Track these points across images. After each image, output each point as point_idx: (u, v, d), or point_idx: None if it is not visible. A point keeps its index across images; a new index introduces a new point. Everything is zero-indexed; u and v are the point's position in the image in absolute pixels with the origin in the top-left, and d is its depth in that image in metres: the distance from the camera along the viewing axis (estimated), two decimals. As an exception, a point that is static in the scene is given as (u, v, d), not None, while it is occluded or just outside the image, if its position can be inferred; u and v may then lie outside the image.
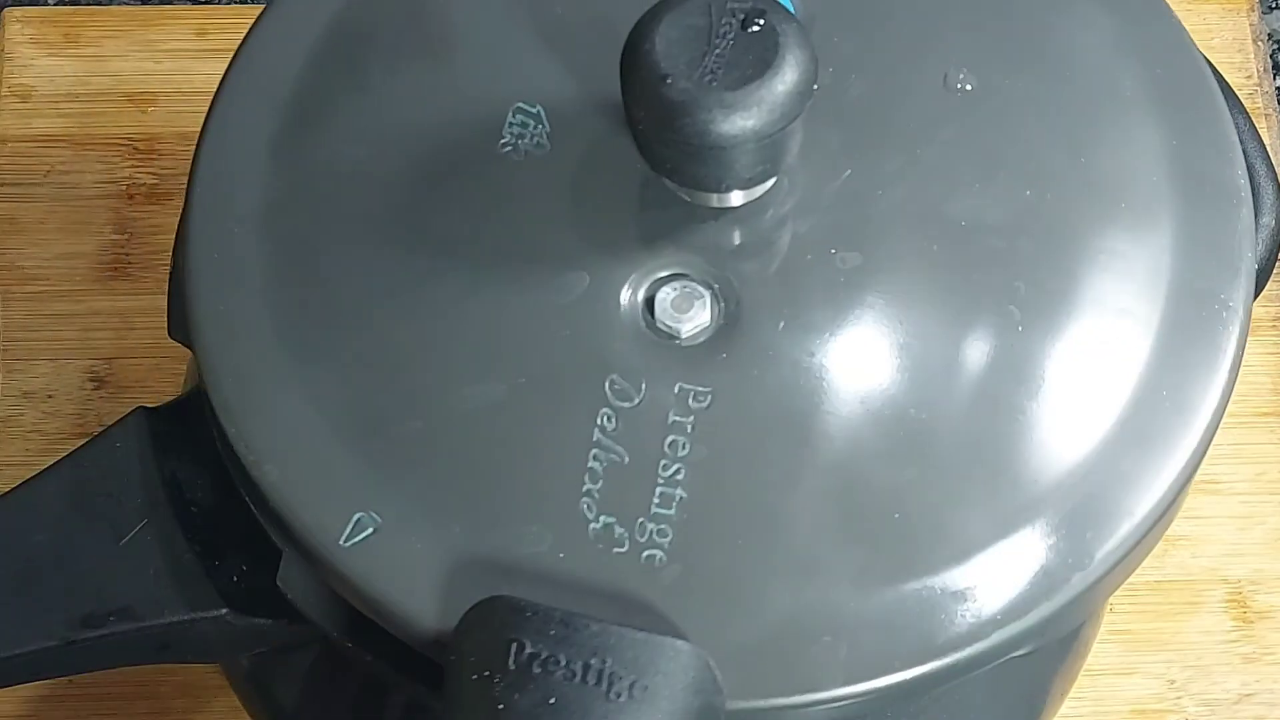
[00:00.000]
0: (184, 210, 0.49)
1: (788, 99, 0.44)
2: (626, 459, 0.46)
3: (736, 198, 0.47)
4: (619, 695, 0.42)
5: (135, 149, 0.70)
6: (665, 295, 0.47)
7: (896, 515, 0.45)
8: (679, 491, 0.45)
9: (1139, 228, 0.48)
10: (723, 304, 0.47)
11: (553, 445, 0.46)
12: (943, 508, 0.46)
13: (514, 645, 0.42)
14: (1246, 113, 0.55)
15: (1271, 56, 0.74)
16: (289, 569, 0.47)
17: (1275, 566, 0.65)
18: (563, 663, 0.42)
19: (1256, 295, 0.54)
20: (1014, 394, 0.47)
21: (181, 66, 0.72)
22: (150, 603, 0.49)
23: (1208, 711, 0.63)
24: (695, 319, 0.47)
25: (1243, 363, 0.68)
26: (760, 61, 0.44)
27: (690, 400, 0.46)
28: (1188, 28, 0.52)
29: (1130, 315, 0.48)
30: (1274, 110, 0.72)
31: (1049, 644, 0.55)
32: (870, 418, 0.46)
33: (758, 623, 0.44)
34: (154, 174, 0.70)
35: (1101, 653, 0.61)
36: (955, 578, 0.45)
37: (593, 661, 0.42)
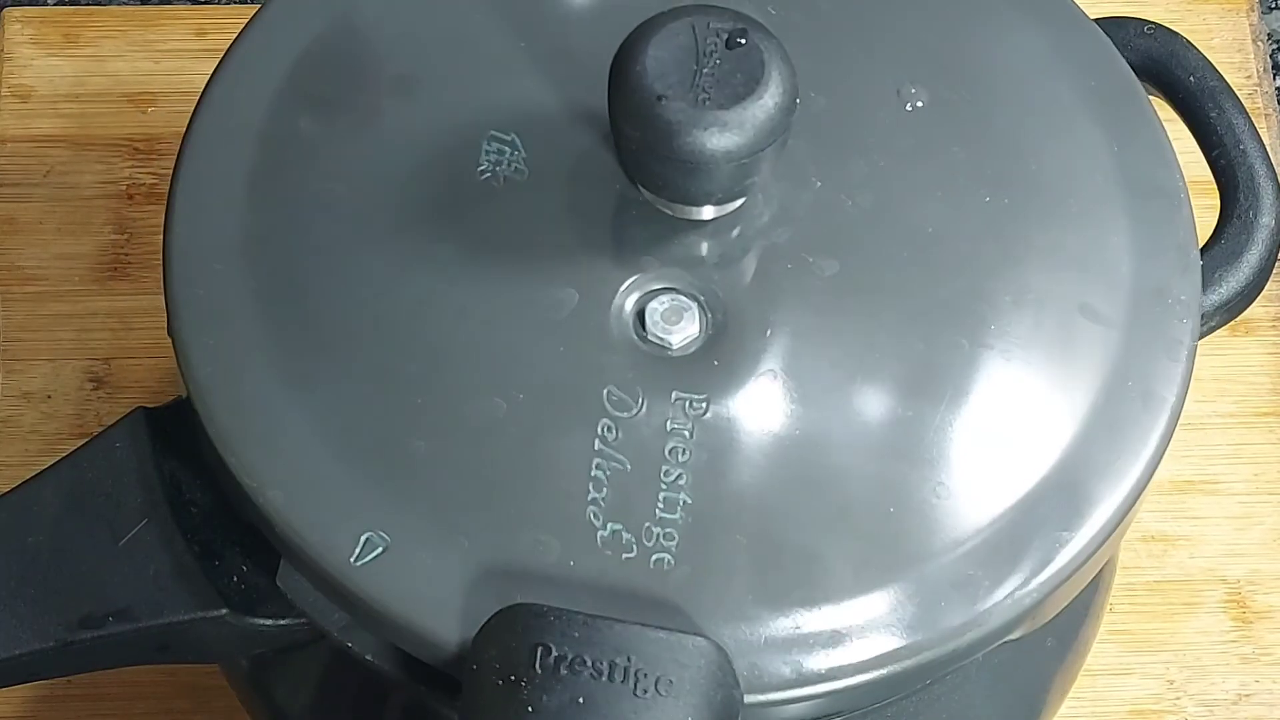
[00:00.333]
0: (164, 247, 0.50)
1: (777, 114, 0.46)
2: (629, 467, 0.47)
3: (720, 210, 0.49)
4: (645, 692, 0.43)
5: (135, 149, 0.70)
6: (655, 308, 0.48)
7: (886, 512, 0.47)
8: (682, 496, 0.47)
9: (1092, 227, 0.50)
10: (710, 314, 0.48)
11: (556, 457, 0.47)
12: (928, 503, 0.47)
13: (540, 649, 0.43)
14: (1246, 113, 0.55)
15: (1271, 56, 0.74)
16: (289, 570, 0.48)
17: (1274, 567, 0.65)
18: (589, 663, 0.43)
19: (1256, 295, 0.54)
20: (988, 391, 0.48)
21: (181, 66, 0.72)
22: (149, 603, 0.49)
23: (1206, 712, 0.63)
24: (684, 330, 0.48)
25: (1242, 363, 0.69)
26: (750, 79, 0.46)
27: (687, 407, 0.47)
28: (1188, 28, 0.52)
29: (1092, 311, 0.49)
30: (1274, 110, 0.72)
31: (1047, 641, 0.55)
32: (858, 415, 0.48)
33: (764, 619, 0.46)
34: (153, 174, 0.70)
35: (1100, 653, 0.61)
36: (950, 566, 0.47)
37: (618, 660, 0.43)
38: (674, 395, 0.47)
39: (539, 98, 0.51)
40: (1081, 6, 0.54)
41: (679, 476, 0.47)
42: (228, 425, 0.48)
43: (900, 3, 0.53)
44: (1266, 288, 0.55)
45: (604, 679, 0.43)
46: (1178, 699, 0.64)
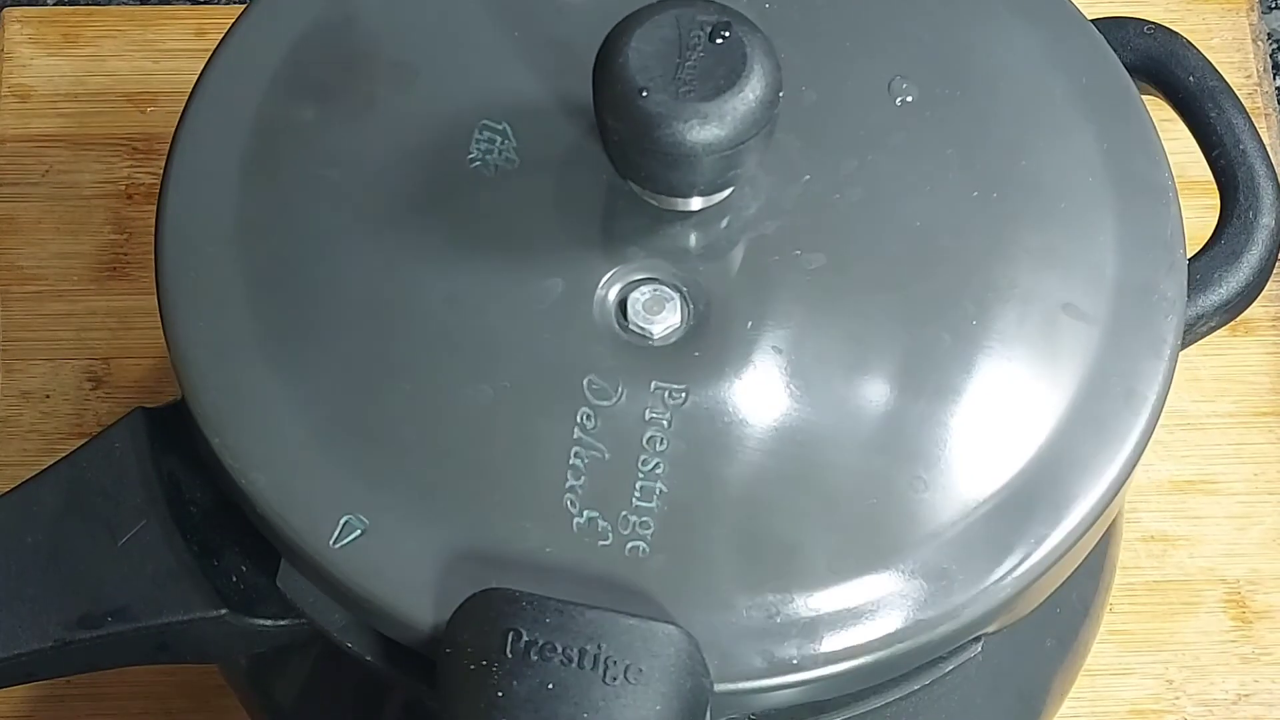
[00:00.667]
0: (156, 230, 0.50)
1: (759, 107, 0.46)
2: (607, 455, 0.47)
3: (705, 201, 0.49)
4: (614, 679, 0.43)
5: (134, 149, 0.70)
6: (637, 298, 0.49)
7: (863, 504, 0.47)
8: (659, 485, 0.47)
9: (1080, 225, 0.51)
10: (692, 305, 0.49)
11: (535, 444, 0.47)
12: (907, 496, 0.47)
13: (511, 634, 0.44)
14: (1246, 113, 0.55)
15: (1271, 56, 0.74)
16: (289, 571, 0.48)
17: (1273, 566, 0.65)
18: (559, 649, 0.44)
19: (1256, 295, 0.54)
20: (970, 386, 0.49)
21: (180, 66, 0.72)
22: (148, 603, 0.49)
23: (1205, 712, 0.63)
24: (666, 320, 0.48)
25: (1242, 363, 0.69)
26: (731, 72, 0.46)
27: (666, 397, 0.48)
28: (1188, 28, 0.52)
29: (1075, 309, 0.49)
30: (1274, 110, 0.72)
31: (1047, 642, 0.55)
32: (838, 408, 0.48)
33: (738, 609, 0.46)
34: (153, 174, 0.70)
35: (1100, 653, 0.61)
36: (923, 563, 0.47)
37: (588, 647, 0.44)
38: (654, 385, 0.48)
39: (532, 87, 0.51)
40: (1081, 6, 0.54)
41: (656, 466, 0.47)
42: (214, 407, 0.48)
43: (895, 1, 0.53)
44: (1266, 288, 0.55)
45: (574, 665, 0.43)
46: (1177, 699, 0.64)
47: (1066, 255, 0.50)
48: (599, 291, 0.49)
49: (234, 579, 0.49)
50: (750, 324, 0.48)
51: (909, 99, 0.51)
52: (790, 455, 0.47)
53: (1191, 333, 0.53)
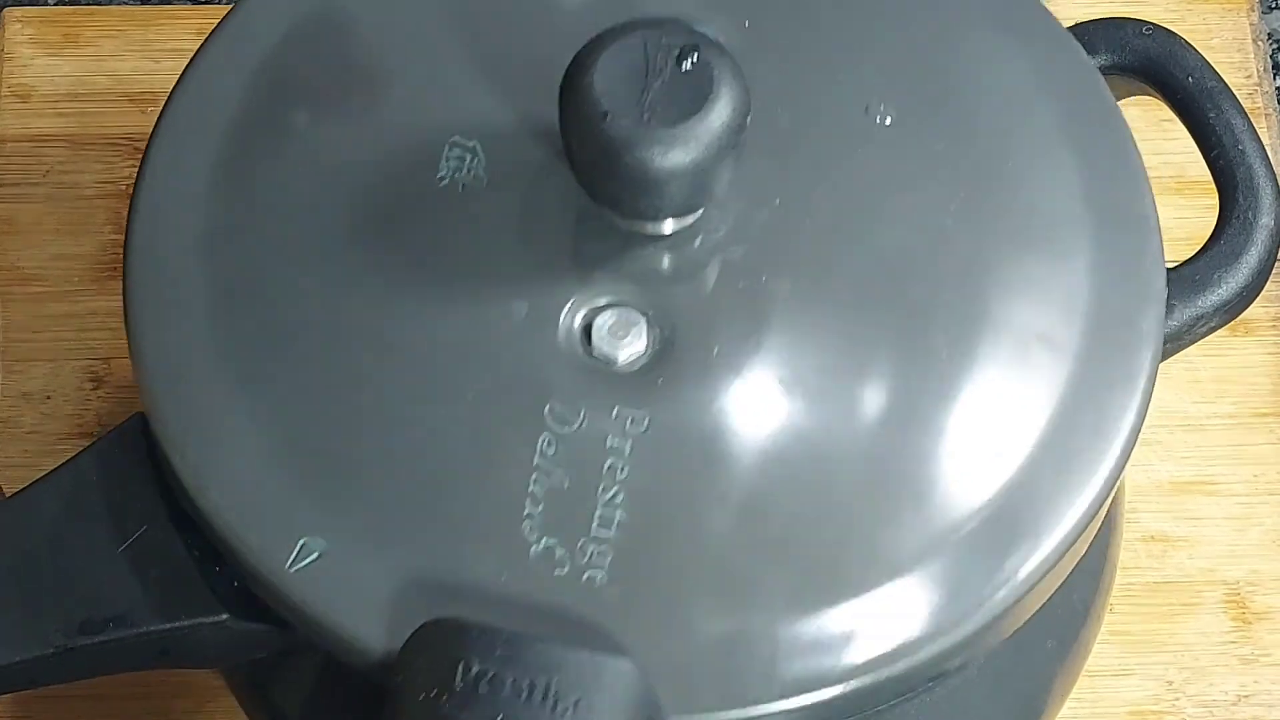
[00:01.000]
0: (125, 242, 0.50)
1: (723, 133, 0.45)
2: (566, 483, 0.46)
3: (672, 224, 0.48)
4: (563, 712, 0.43)
5: (134, 149, 0.70)
6: (602, 322, 0.48)
7: (826, 537, 0.46)
8: (618, 514, 0.46)
9: (1055, 256, 0.50)
10: (658, 330, 0.48)
11: (494, 469, 0.47)
12: (870, 529, 0.47)
13: (461, 664, 0.44)
14: (1245, 113, 0.55)
15: (1271, 56, 0.74)
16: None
17: (1273, 567, 0.65)
18: (509, 681, 0.43)
19: (1255, 296, 0.54)
20: (938, 418, 0.48)
21: (181, 66, 0.71)
22: (149, 609, 0.49)
23: (1205, 713, 0.63)
24: (631, 346, 0.48)
25: (1242, 363, 0.69)
26: (696, 97, 0.45)
27: (628, 425, 0.47)
28: (1188, 28, 0.52)
29: (1048, 340, 0.49)
30: (1274, 110, 0.72)
31: (1047, 643, 0.55)
32: (800, 442, 0.47)
33: (694, 640, 0.45)
34: (153, 174, 0.70)
35: (1100, 654, 0.61)
36: (883, 598, 0.46)
37: (538, 680, 0.43)
38: (615, 411, 0.47)
39: (504, 106, 0.50)
40: (1082, 7, 0.54)
41: (616, 494, 0.46)
42: (173, 423, 0.48)
43: (879, 20, 0.52)
44: (1266, 288, 0.55)
45: (523, 698, 0.43)
46: (1177, 700, 0.64)
47: (1042, 285, 0.49)
48: (564, 315, 0.48)
49: (235, 584, 0.49)
50: (716, 350, 0.48)
51: (887, 121, 0.50)
52: (750, 487, 0.47)
53: (1191, 333, 0.53)
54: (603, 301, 0.48)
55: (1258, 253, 0.54)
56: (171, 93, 0.52)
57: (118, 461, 0.50)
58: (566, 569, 0.46)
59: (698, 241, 0.49)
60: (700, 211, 0.48)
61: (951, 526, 0.47)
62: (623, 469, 0.46)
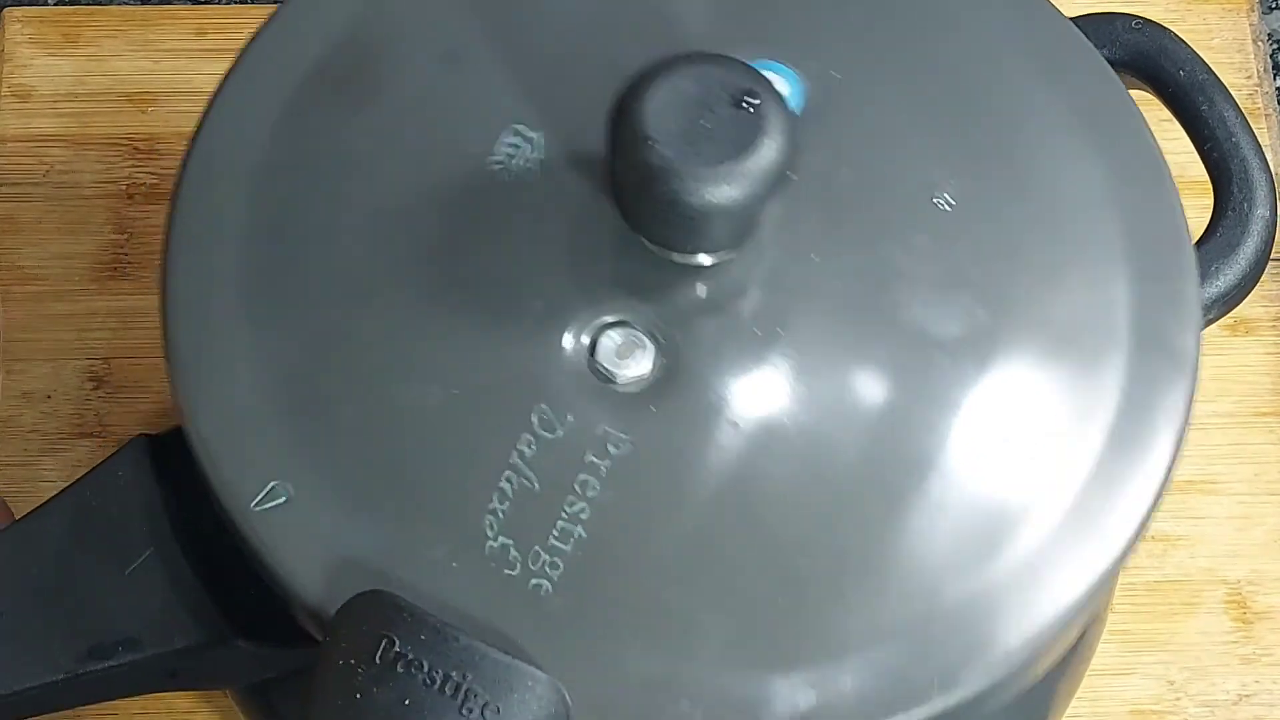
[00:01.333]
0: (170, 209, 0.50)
1: (760, 180, 0.44)
2: (537, 487, 0.46)
3: (702, 259, 0.48)
4: (470, 711, 0.43)
5: (134, 149, 0.70)
6: (610, 339, 0.48)
7: (779, 600, 0.46)
8: (579, 529, 0.46)
9: (1083, 374, 0.48)
10: (664, 360, 0.47)
11: (471, 458, 0.47)
12: (827, 604, 0.46)
13: (384, 641, 0.44)
14: (1237, 105, 0.55)
15: (1271, 56, 0.74)
16: None
17: (1274, 567, 0.65)
18: (425, 668, 0.43)
19: (1252, 287, 0.54)
20: (922, 505, 0.47)
21: (181, 66, 0.72)
22: (158, 632, 0.49)
23: (1206, 712, 0.63)
24: (634, 368, 0.47)
25: (1242, 363, 0.69)
26: (742, 140, 0.44)
27: (610, 445, 0.47)
28: (1188, 28, 0.52)
29: (1064, 440, 0.48)
30: (1274, 110, 0.72)
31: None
32: (777, 501, 0.47)
33: (622, 673, 0.45)
34: (153, 174, 0.70)
35: (1100, 653, 0.61)
36: (820, 675, 0.45)
37: (453, 674, 0.43)
38: (601, 429, 0.47)
39: (575, 105, 0.49)
40: (1082, 4, 0.54)
41: (581, 510, 0.46)
42: (185, 347, 0.48)
43: (957, 95, 0.51)
44: (1266, 288, 0.55)
45: (435, 689, 0.43)
46: (1178, 699, 0.64)
47: (1063, 399, 0.48)
48: (576, 324, 0.48)
49: (244, 605, 0.49)
50: (713, 394, 0.47)
51: (946, 205, 0.49)
52: (714, 533, 0.46)
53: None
54: (616, 319, 0.48)
55: (1254, 244, 0.53)
56: (223, 80, 0.51)
57: (120, 484, 0.50)
58: (517, 571, 0.45)
59: (724, 280, 0.48)
60: (729, 253, 0.47)
61: (909, 621, 0.46)
62: (594, 486, 0.46)
